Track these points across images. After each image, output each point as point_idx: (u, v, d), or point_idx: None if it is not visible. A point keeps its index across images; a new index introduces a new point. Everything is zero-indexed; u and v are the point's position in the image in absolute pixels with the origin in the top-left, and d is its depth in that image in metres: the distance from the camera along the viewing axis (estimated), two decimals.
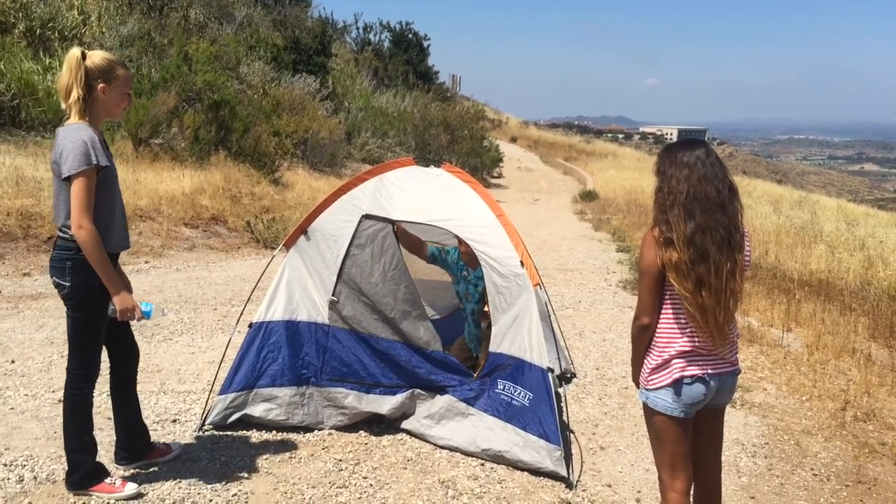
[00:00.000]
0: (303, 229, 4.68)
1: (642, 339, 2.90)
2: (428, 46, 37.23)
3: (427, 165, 4.85)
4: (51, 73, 12.79)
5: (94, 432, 3.60)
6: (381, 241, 4.63)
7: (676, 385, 2.83)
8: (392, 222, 4.64)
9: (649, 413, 2.93)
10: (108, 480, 3.62)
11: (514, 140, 46.54)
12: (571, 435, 4.74)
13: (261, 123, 15.28)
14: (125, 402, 3.83)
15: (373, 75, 29.69)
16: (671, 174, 2.82)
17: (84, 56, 3.37)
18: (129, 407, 3.85)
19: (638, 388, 3.01)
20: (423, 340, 4.59)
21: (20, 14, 14.24)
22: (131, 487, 3.64)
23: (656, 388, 2.86)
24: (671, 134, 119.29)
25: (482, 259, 4.53)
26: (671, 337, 2.84)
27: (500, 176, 27.98)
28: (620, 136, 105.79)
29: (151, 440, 4.02)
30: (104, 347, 3.63)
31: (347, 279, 4.62)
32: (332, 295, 4.61)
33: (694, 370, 2.82)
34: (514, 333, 4.38)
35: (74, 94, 3.34)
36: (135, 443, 3.90)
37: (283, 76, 19.10)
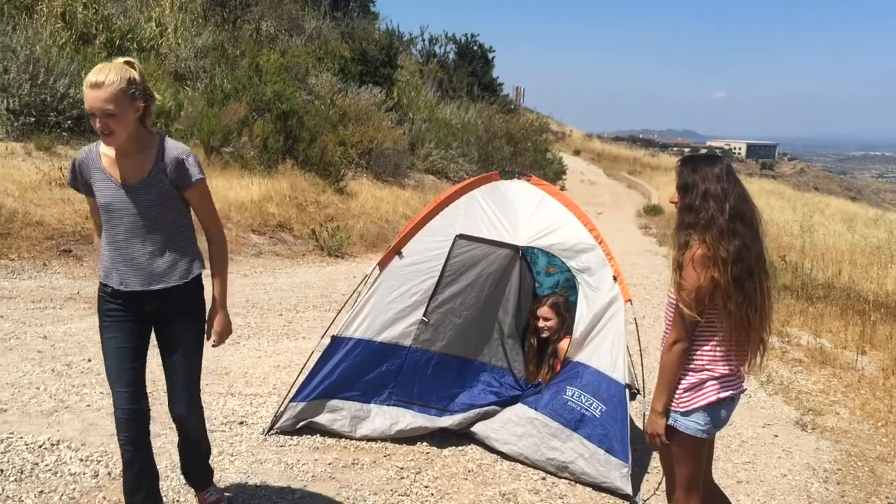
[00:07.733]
0: (397, 249, 4.68)
1: (680, 363, 2.81)
2: (493, 58, 37.21)
3: (511, 178, 4.87)
4: None
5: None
6: (477, 263, 4.66)
7: (711, 408, 2.79)
8: (487, 242, 4.66)
9: (674, 434, 2.85)
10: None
11: (577, 153, 46.20)
12: (637, 454, 4.66)
13: (327, 133, 15.52)
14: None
15: (437, 87, 29.85)
16: (707, 189, 2.77)
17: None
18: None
19: (657, 412, 2.85)
20: (506, 363, 4.67)
21: (101, 26, 14.84)
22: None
23: (689, 411, 2.80)
24: (740, 149, 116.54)
25: (576, 273, 4.60)
26: (709, 360, 2.80)
27: (563, 188, 27.75)
28: (686, 150, 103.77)
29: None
30: None
31: (441, 299, 4.64)
32: (424, 315, 4.62)
33: (727, 392, 2.81)
34: (598, 345, 4.39)
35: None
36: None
37: (349, 87, 19.37)
